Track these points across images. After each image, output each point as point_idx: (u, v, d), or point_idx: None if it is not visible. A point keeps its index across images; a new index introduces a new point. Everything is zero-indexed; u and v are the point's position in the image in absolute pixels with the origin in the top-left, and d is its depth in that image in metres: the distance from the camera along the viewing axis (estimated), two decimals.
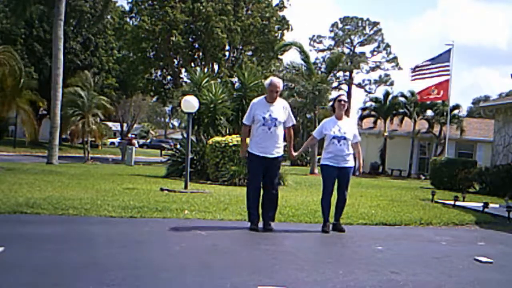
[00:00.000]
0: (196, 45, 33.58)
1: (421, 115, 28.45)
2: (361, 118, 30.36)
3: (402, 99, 29.08)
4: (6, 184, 9.36)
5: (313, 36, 59.00)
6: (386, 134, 28.78)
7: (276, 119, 6.00)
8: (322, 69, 36.20)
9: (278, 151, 6.07)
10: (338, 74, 53.35)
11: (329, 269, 4.38)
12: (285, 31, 35.29)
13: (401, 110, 28.81)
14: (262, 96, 6.27)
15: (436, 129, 27.99)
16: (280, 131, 6.07)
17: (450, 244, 6.09)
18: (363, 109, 31.53)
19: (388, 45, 57.39)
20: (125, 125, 63.29)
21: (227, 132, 14.94)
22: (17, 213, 6.27)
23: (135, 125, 68.40)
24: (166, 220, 6.40)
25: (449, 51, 18.14)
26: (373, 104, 30.37)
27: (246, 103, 15.44)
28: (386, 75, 57.58)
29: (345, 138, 6.16)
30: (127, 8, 35.76)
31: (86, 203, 7.08)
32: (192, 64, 33.19)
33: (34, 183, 9.94)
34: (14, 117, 27.50)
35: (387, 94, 29.91)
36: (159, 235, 5.51)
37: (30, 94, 18.35)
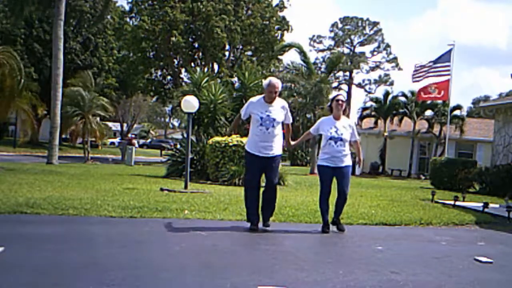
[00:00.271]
0: (196, 45, 33.56)
1: (421, 115, 28.45)
2: (361, 118, 30.36)
3: (403, 98, 29.08)
4: (6, 184, 9.36)
5: (313, 36, 59.10)
6: (386, 134, 28.77)
7: (274, 119, 6.00)
8: (322, 69, 36.23)
9: (276, 151, 6.08)
10: (338, 74, 53.34)
11: (329, 269, 4.38)
12: (285, 32, 35.30)
13: (401, 110, 28.81)
14: (261, 96, 6.26)
15: (436, 129, 27.99)
16: (278, 131, 6.08)
17: (450, 244, 6.09)
18: (363, 109, 31.53)
19: (388, 45, 57.47)
20: (125, 125, 63.31)
21: (227, 132, 14.94)
22: (17, 213, 6.27)
23: (135, 125, 68.41)
24: (166, 220, 6.40)
25: (450, 51, 18.14)
26: (373, 104, 30.37)
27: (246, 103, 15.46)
28: (386, 75, 57.65)
29: (341, 140, 6.15)
30: (127, 8, 35.80)
31: (86, 203, 7.08)
32: (192, 64, 33.18)
33: (34, 183, 9.94)
34: (14, 117, 27.51)
35: (387, 94, 29.90)
36: (159, 235, 5.51)
37: (30, 96, 18.34)
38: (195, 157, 13.52)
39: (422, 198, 11.73)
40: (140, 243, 5.08)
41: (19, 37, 34.74)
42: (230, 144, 12.66)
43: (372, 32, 57.74)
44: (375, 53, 57.86)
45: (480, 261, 5.03)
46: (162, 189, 9.77)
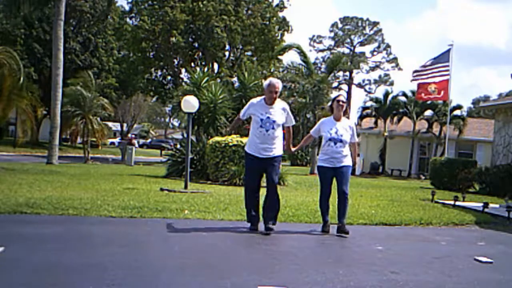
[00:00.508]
0: (196, 45, 33.55)
1: (421, 115, 28.44)
2: (361, 118, 30.36)
3: (403, 98, 29.08)
4: (6, 184, 9.36)
5: (313, 36, 59.13)
6: (386, 134, 28.78)
7: (274, 121, 5.94)
8: (322, 69, 36.23)
9: (277, 151, 6.01)
10: (338, 74, 53.36)
11: (329, 269, 4.38)
12: (285, 32, 35.29)
13: (401, 110, 28.81)
14: (262, 97, 6.18)
15: (436, 129, 27.99)
16: (278, 133, 6.01)
17: (450, 244, 6.09)
18: (363, 108, 31.54)
19: (388, 45, 57.49)
20: (125, 125, 63.30)
21: (227, 132, 14.93)
22: (17, 213, 6.27)
23: (135, 125, 68.40)
24: (166, 220, 6.40)
25: (448, 51, 18.14)
26: (373, 104, 30.38)
27: (246, 103, 15.44)
28: (386, 75, 57.67)
29: (341, 141, 6.13)
30: (127, 8, 35.78)
31: (86, 203, 7.08)
32: (192, 64, 33.17)
33: (34, 183, 9.94)
34: (14, 117, 27.48)
35: (387, 94, 29.91)
36: (159, 235, 5.51)
37: (30, 97, 18.31)
38: (195, 157, 13.51)
39: (422, 198, 11.73)
40: (140, 243, 5.08)
41: (19, 37, 34.74)
42: (230, 144, 12.65)
43: (372, 32, 57.75)
44: (375, 53, 57.92)
45: (480, 261, 5.03)
46: (162, 189, 9.77)
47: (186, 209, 7.17)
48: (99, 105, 24.63)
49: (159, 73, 36.50)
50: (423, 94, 19.86)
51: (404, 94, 28.94)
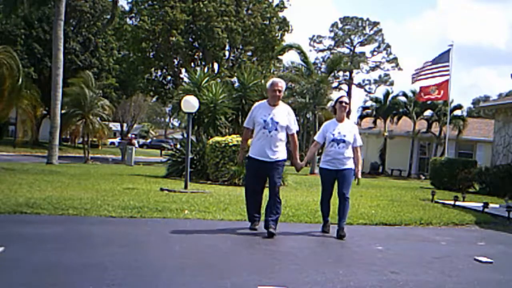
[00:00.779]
0: (196, 45, 33.57)
1: (421, 115, 28.45)
2: (361, 117, 30.37)
3: (403, 98, 29.10)
4: (6, 184, 9.36)
5: (313, 36, 59.16)
6: (386, 134, 28.79)
7: (277, 122, 5.79)
8: (322, 69, 36.23)
9: (278, 155, 5.82)
10: (338, 74, 53.37)
11: (329, 269, 4.38)
12: (285, 32, 35.30)
13: (401, 110, 28.82)
14: (265, 100, 6.08)
15: (436, 129, 27.99)
16: (281, 136, 5.84)
17: (450, 244, 6.09)
18: (363, 108, 31.55)
19: (388, 46, 57.49)
20: (125, 125, 63.31)
21: (227, 132, 14.94)
22: (17, 213, 6.27)
23: (135, 125, 68.43)
24: (166, 220, 6.40)
25: (448, 51, 18.15)
26: (373, 104, 30.39)
27: (246, 103, 15.46)
28: (386, 75, 57.68)
29: (344, 141, 6.06)
30: (127, 8, 35.77)
31: (86, 203, 7.08)
32: (192, 64, 33.17)
33: (34, 183, 9.94)
34: (14, 117, 27.48)
35: (387, 94, 29.93)
36: (159, 235, 5.51)
37: (30, 98, 18.32)
38: (195, 157, 13.51)
39: (422, 198, 11.72)
40: (140, 243, 5.08)
41: (19, 37, 34.73)
42: (230, 144, 12.65)
43: (372, 32, 57.76)
44: (375, 53, 57.93)
45: (480, 261, 5.03)
46: (162, 189, 9.77)
47: (186, 209, 7.17)
48: (100, 105, 24.62)
49: (159, 73, 36.50)
50: (423, 95, 19.89)
51: (404, 94, 28.97)
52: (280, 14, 35.14)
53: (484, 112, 18.11)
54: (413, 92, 26.81)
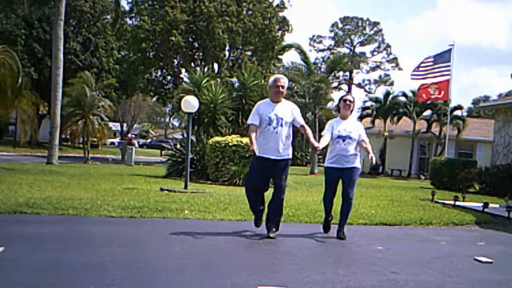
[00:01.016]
0: (196, 45, 33.57)
1: (421, 115, 28.44)
2: (361, 117, 30.35)
3: (403, 98, 29.09)
4: (6, 184, 9.36)
5: (313, 36, 59.22)
6: (386, 134, 28.78)
7: (282, 118, 5.69)
8: (322, 69, 36.23)
9: (284, 153, 5.69)
10: (338, 74, 53.37)
11: (329, 269, 4.38)
12: (285, 32, 35.30)
13: (401, 110, 28.81)
14: (267, 99, 5.99)
15: (436, 129, 27.98)
16: (286, 132, 5.72)
17: (450, 244, 6.09)
18: (363, 108, 31.54)
19: (388, 46, 57.55)
20: (125, 125, 63.30)
21: (227, 132, 14.94)
22: (17, 213, 6.27)
23: (135, 125, 68.43)
24: (166, 220, 6.40)
25: (449, 51, 18.13)
26: (373, 104, 30.38)
27: (246, 103, 15.47)
28: (386, 75, 57.75)
29: (350, 138, 5.94)
30: (127, 8, 35.79)
31: (86, 203, 7.08)
32: (192, 64, 33.18)
33: (34, 183, 9.94)
34: (14, 117, 27.49)
35: (387, 94, 29.91)
36: (159, 235, 5.51)
37: (31, 96, 18.32)
38: (195, 157, 13.51)
39: (422, 198, 11.72)
40: (140, 243, 5.08)
41: (19, 37, 34.74)
42: (230, 144, 12.65)
43: (372, 32, 57.80)
44: (375, 53, 57.99)
45: (480, 261, 5.03)
46: (162, 189, 9.77)
47: (186, 209, 7.17)
48: (100, 105, 24.62)
49: (159, 73, 36.51)
50: (424, 95, 19.86)
51: (404, 94, 28.96)
52: (280, 14, 35.16)
53: (484, 112, 18.10)
54: (413, 92, 26.78)
